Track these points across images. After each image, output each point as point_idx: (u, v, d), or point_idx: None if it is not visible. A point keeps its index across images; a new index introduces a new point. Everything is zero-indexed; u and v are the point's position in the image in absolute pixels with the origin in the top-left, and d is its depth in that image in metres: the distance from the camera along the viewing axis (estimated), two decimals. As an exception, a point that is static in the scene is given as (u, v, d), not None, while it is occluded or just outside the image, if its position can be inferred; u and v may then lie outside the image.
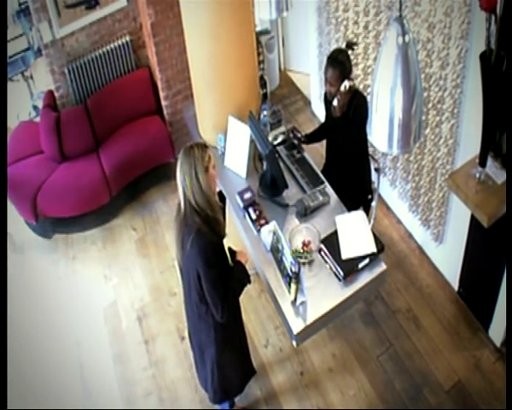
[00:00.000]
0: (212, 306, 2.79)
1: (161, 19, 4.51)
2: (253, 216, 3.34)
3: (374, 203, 3.95)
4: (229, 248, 3.03)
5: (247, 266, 2.99)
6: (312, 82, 5.29)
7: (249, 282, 2.97)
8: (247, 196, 3.43)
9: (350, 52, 3.47)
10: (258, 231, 3.28)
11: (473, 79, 3.12)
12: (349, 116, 3.47)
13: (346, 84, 3.39)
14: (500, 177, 3.02)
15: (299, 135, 3.72)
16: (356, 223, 3.19)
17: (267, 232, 3.21)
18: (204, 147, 2.71)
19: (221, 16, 3.28)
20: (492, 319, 3.73)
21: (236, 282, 2.89)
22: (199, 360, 3.21)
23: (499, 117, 2.84)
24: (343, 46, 3.55)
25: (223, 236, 2.85)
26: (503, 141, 2.99)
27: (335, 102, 3.49)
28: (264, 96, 4.72)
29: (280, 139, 3.75)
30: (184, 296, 3.02)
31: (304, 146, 3.77)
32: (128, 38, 4.92)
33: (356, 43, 3.65)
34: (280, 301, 3.02)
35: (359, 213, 3.27)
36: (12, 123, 5.39)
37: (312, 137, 3.84)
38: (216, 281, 2.73)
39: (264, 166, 3.52)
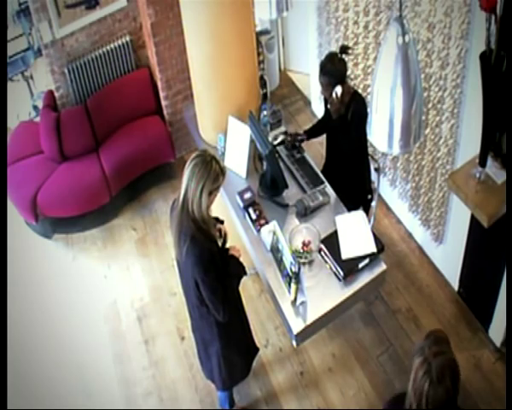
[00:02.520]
0: (213, 310, 2.79)
1: (161, 19, 4.51)
2: (253, 216, 3.34)
3: (374, 203, 3.95)
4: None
5: (246, 265, 2.99)
6: (312, 82, 5.28)
7: (245, 273, 2.98)
8: (247, 196, 3.43)
9: (345, 56, 3.45)
10: (258, 231, 3.28)
11: (473, 79, 3.12)
12: (347, 118, 3.47)
13: (338, 90, 3.38)
14: (500, 177, 3.02)
15: (299, 138, 3.72)
16: (356, 223, 3.19)
17: (267, 232, 3.21)
18: (219, 171, 2.65)
19: (221, 16, 3.28)
20: (492, 319, 3.72)
21: (233, 277, 2.90)
22: (203, 353, 3.22)
23: (499, 117, 2.84)
24: (337, 50, 3.54)
25: (217, 242, 2.83)
26: (503, 141, 2.99)
27: (329, 106, 3.51)
28: (264, 96, 4.72)
29: (280, 139, 3.75)
30: (184, 294, 3.02)
31: (304, 146, 3.77)
32: (128, 38, 4.92)
33: (350, 48, 3.60)
34: (280, 301, 3.02)
35: (359, 213, 3.27)
36: (12, 123, 5.40)
37: (312, 133, 3.83)
38: (215, 286, 2.72)
39: (264, 167, 3.52)
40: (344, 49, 3.44)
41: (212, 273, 2.70)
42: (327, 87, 3.43)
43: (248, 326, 3.33)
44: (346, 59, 3.47)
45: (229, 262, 2.92)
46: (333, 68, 3.37)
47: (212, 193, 2.65)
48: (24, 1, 5.97)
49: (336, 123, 3.56)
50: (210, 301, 2.75)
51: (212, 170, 2.61)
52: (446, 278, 4.14)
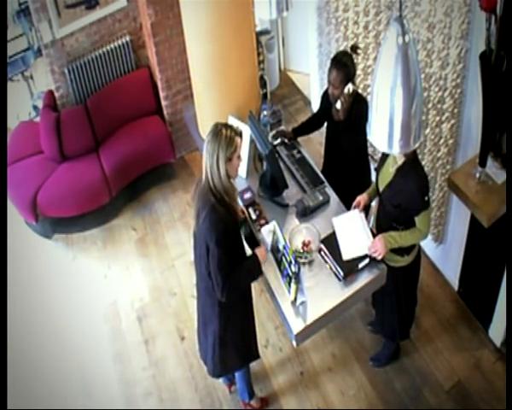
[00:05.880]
0: (214, 282, 2.83)
1: (161, 19, 4.51)
2: (253, 216, 3.34)
3: (374, 203, 3.95)
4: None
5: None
6: (312, 82, 5.29)
7: (257, 277, 2.97)
8: (247, 196, 3.43)
9: (354, 56, 3.45)
10: (258, 231, 3.28)
11: (473, 79, 3.12)
12: (351, 119, 3.45)
13: (350, 87, 3.36)
14: (500, 177, 3.03)
15: (285, 140, 3.70)
16: (353, 222, 3.19)
17: (267, 232, 3.21)
18: (233, 135, 2.72)
19: (221, 16, 3.28)
20: (492, 319, 3.73)
21: (245, 272, 2.90)
22: (202, 331, 3.23)
23: (499, 117, 2.84)
24: (347, 49, 3.53)
25: (238, 221, 2.88)
26: (503, 141, 2.99)
27: (339, 105, 3.43)
28: (264, 96, 4.72)
29: (280, 139, 3.75)
30: (195, 267, 3.07)
31: (304, 146, 3.76)
32: (128, 38, 4.92)
33: (360, 47, 3.61)
34: (280, 301, 3.02)
35: (355, 212, 3.25)
36: (12, 123, 5.39)
37: (300, 131, 3.80)
38: (222, 260, 2.76)
39: (264, 167, 3.52)
40: (355, 49, 3.43)
41: (223, 247, 2.74)
42: (339, 84, 3.34)
43: (253, 328, 3.31)
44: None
45: (249, 256, 2.96)
46: (348, 62, 3.34)
47: (231, 159, 2.72)
48: (24, 1, 5.96)
49: (339, 124, 3.54)
50: (213, 273, 2.80)
51: (222, 138, 2.69)
52: (446, 278, 4.14)
